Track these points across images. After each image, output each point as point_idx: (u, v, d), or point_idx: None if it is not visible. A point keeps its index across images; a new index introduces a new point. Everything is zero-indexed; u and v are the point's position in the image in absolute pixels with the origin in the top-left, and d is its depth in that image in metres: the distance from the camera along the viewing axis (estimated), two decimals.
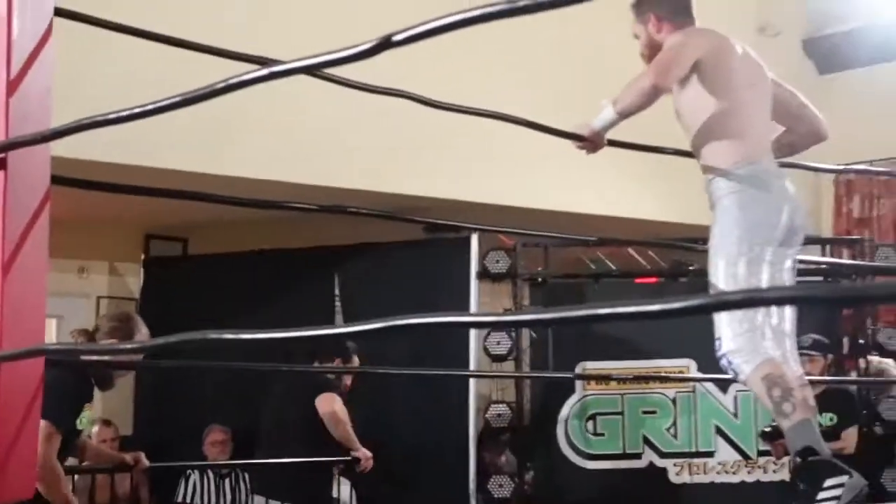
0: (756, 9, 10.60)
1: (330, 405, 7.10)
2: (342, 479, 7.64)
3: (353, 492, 7.80)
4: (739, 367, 3.97)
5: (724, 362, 4.03)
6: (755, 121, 4.20)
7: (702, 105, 4.13)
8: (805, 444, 3.82)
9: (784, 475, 7.99)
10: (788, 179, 4.21)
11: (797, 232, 4.17)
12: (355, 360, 7.15)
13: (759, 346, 3.98)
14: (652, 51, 4.27)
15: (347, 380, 7.37)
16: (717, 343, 4.03)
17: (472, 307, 8.10)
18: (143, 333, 5.61)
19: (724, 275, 4.01)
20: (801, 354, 7.49)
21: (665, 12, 4.32)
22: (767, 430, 7.52)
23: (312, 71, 2.59)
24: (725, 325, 3.99)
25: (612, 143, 4.47)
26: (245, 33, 6.39)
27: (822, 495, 3.70)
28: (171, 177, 7.23)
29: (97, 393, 8.20)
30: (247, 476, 8.06)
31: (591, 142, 4.26)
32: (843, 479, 3.72)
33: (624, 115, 4.07)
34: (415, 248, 8.81)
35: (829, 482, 3.72)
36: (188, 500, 8.09)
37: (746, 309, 3.90)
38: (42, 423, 5.57)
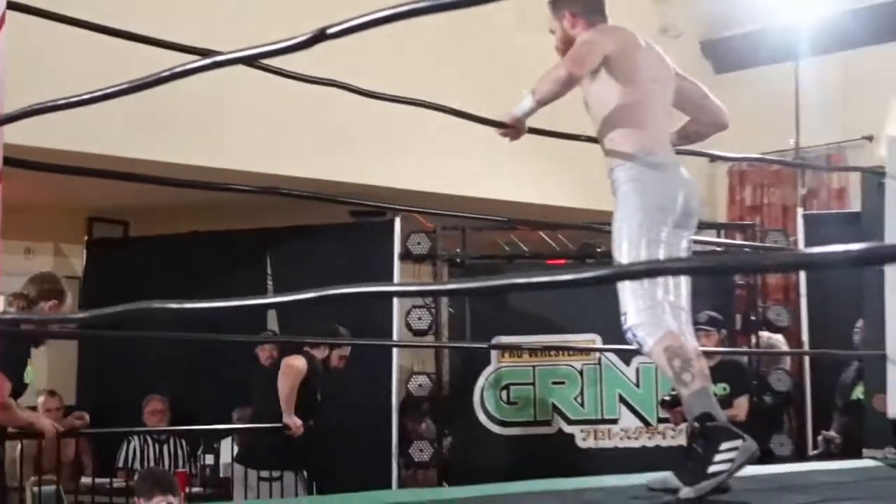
0: (659, 11, 10.66)
1: (293, 361, 7.04)
2: None
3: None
4: (643, 339, 3.96)
5: (629, 335, 4.03)
6: (656, 113, 4.17)
7: (608, 97, 4.11)
8: (703, 411, 3.82)
9: (681, 440, 8.03)
10: (683, 167, 4.20)
11: (692, 215, 4.16)
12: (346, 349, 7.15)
13: (660, 320, 3.97)
14: (566, 45, 4.24)
15: (335, 360, 7.31)
16: (622, 318, 4.02)
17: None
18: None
19: (626, 256, 4.01)
20: (697, 329, 7.52)
21: (579, 10, 4.29)
22: (667, 398, 7.56)
23: (251, 61, 2.49)
24: (630, 301, 3.98)
25: (532, 131, 4.41)
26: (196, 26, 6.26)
27: (717, 457, 3.71)
28: (114, 162, 7.14)
29: (44, 368, 8.14)
30: (184, 442, 8.01)
31: (513, 128, 4.23)
32: (738, 442, 3.73)
33: (542, 103, 4.05)
34: (342, 231, 8.80)
35: (724, 445, 3.72)
36: (129, 464, 8.00)
37: (647, 284, 3.94)
38: None
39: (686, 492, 3.77)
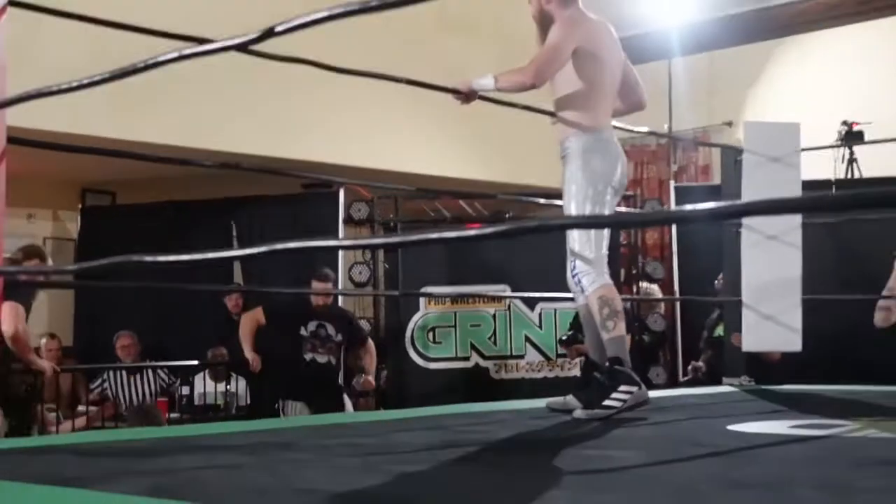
0: None
1: (250, 313, 7.31)
2: (238, 376, 7.74)
3: (248, 388, 7.77)
4: (586, 286, 3.95)
5: (574, 280, 4.01)
6: (606, 94, 4.09)
7: (570, 81, 4.02)
8: (615, 355, 3.85)
9: (576, 372, 8.13)
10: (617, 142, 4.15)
11: (623, 185, 4.15)
12: (329, 284, 7.13)
13: (601, 272, 3.98)
14: (541, 17, 4.11)
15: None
16: (570, 264, 3.99)
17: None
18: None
19: (575, 213, 3.99)
20: None
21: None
22: (563, 338, 7.67)
23: (215, 53, 2.48)
24: (579, 250, 3.96)
25: (483, 99, 4.28)
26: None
27: (614, 395, 3.76)
28: (102, 142, 7.11)
29: (45, 315, 8.05)
30: (161, 374, 7.96)
31: (466, 96, 4.12)
32: (634, 388, 3.78)
33: (499, 90, 4.03)
34: (295, 200, 8.79)
35: (623, 388, 3.77)
36: (115, 392, 7.93)
37: (595, 238, 3.95)
38: (11, 304, 5.79)
39: (579, 413, 3.83)
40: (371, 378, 7.41)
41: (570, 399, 4.05)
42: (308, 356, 7.01)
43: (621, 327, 3.94)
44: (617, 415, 3.74)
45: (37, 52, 6.18)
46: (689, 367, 7.75)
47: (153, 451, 2.93)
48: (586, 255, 3.95)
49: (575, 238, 3.97)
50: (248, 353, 7.12)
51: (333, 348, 7.12)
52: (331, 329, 7.09)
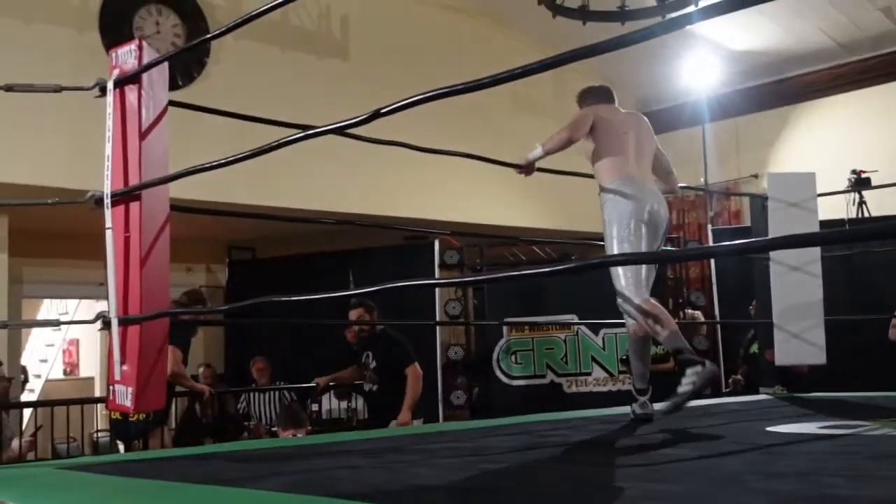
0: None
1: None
2: (358, 395, 7.57)
3: (365, 405, 7.70)
4: (630, 311, 3.90)
5: (621, 309, 3.96)
6: (625, 151, 4.04)
7: (595, 147, 4.07)
8: (674, 347, 3.74)
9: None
10: (653, 190, 4.08)
11: (661, 223, 4.04)
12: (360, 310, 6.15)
13: (640, 293, 3.88)
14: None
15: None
16: (618, 297, 3.94)
17: (437, 288, 8.11)
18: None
19: (611, 249, 3.94)
20: None
21: (588, 101, 4.22)
22: (624, 357, 7.57)
23: (334, 133, 2.53)
24: (623, 285, 3.89)
25: (540, 170, 4.35)
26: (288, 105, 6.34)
27: (683, 380, 3.62)
28: (243, 208, 7.22)
29: (202, 349, 8.13)
30: (294, 395, 7.99)
31: (526, 168, 4.21)
32: (699, 368, 3.62)
33: (548, 153, 4.06)
34: (398, 250, 8.80)
35: (689, 371, 3.63)
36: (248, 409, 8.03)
37: (632, 270, 3.88)
38: (171, 347, 5.86)
39: (661, 406, 3.76)
40: (406, 414, 5.93)
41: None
42: (365, 386, 6.34)
43: (669, 324, 3.81)
44: (694, 396, 3.63)
45: (189, 140, 6.34)
46: (730, 380, 7.59)
47: (291, 456, 2.96)
48: (626, 285, 3.89)
49: (618, 272, 3.92)
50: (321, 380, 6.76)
51: (373, 376, 6.16)
52: (371, 357, 6.15)
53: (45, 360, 12.60)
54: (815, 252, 5.20)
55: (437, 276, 8.33)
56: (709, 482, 2.00)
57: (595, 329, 7.95)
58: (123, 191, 2.78)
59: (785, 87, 9.93)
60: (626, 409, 4.86)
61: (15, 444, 5.89)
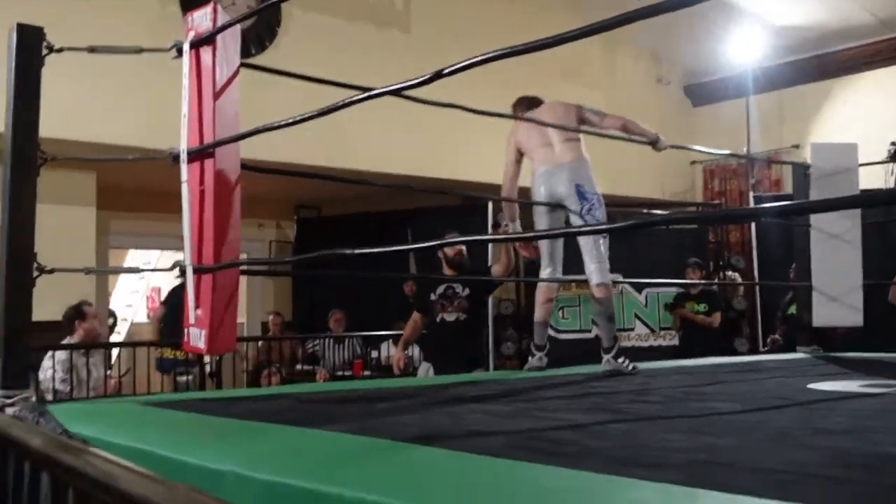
0: (656, 67, 10.46)
1: (414, 316, 5.83)
2: (415, 344, 7.24)
3: (421, 353, 7.58)
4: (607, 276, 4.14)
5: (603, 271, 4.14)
6: (537, 154, 4.20)
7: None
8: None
9: (675, 342, 7.91)
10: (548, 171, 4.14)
11: (561, 198, 4.08)
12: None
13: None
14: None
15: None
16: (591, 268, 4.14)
17: (489, 246, 7.97)
18: None
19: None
20: (688, 267, 7.43)
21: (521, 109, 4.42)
22: (669, 302, 7.49)
23: (395, 94, 2.45)
24: (602, 250, 4.10)
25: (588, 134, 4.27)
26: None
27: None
28: (310, 168, 7.21)
29: (271, 297, 8.14)
30: (355, 342, 8.03)
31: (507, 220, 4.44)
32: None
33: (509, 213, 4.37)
34: (456, 210, 8.67)
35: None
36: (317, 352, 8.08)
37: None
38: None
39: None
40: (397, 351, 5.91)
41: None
42: (449, 317, 5.65)
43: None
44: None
45: (259, 104, 6.30)
46: (768, 339, 7.44)
47: (356, 399, 2.92)
48: (605, 252, 4.11)
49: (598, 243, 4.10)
50: (396, 352, 6.11)
51: (464, 304, 5.61)
52: (463, 287, 5.66)
53: (130, 305, 12.82)
54: (856, 219, 5.02)
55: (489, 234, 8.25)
56: (761, 437, 1.90)
57: (638, 288, 7.83)
58: (198, 148, 2.75)
59: (826, 62, 9.60)
60: (668, 363, 4.76)
61: (103, 383, 5.97)
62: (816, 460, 1.57)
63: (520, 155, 4.31)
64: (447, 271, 5.76)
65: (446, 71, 2.12)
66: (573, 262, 4.26)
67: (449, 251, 5.72)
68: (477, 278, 5.78)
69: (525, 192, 4.42)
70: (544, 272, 4.21)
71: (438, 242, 2.41)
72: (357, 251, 2.40)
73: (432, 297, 5.69)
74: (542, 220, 4.16)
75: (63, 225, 6.65)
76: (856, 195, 3.57)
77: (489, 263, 7.34)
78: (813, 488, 1.30)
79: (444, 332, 5.62)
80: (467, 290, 5.67)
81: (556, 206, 4.09)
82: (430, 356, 5.84)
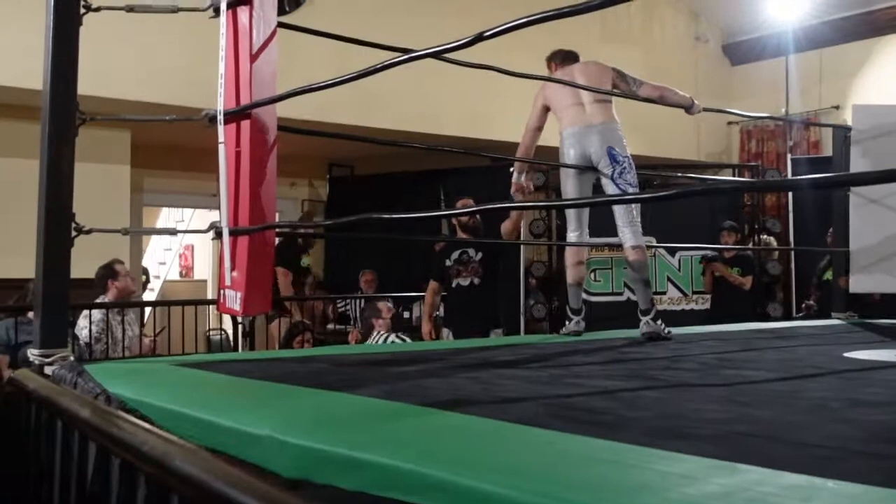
0: (695, 25, 10.28)
1: (430, 286, 6.01)
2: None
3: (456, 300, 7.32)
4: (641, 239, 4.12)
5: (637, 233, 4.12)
6: (566, 114, 4.13)
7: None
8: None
9: (706, 306, 7.86)
10: (578, 131, 4.07)
11: (591, 160, 4.03)
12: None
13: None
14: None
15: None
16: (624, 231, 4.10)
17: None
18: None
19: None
20: (723, 230, 7.36)
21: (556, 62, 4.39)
22: (707, 255, 7.42)
23: (434, 56, 2.42)
24: (635, 213, 4.12)
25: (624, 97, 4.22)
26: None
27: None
28: (343, 128, 7.21)
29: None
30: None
31: (518, 188, 4.38)
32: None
33: (524, 154, 4.30)
34: (488, 170, 8.64)
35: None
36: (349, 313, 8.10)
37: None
38: (282, 270, 5.95)
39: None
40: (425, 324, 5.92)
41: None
42: (464, 281, 5.85)
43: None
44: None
45: (295, 62, 6.28)
46: (803, 305, 7.38)
47: (388, 362, 2.93)
48: (637, 216, 4.14)
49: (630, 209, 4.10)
50: (424, 325, 6.05)
51: (479, 269, 5.78)
52: (476, 251, 5.85)
53: (163, 263, 12.95)
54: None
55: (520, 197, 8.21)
56: (799, 408, 1.88)
57: (671, 252, 7.78)
58: (235, 110, 2.75)
59: (872, 19, 9.37)
60: (701, 328, 4.73)
61: (138, 342, 6.05)
62: (857, 435, 1.55)
63: (546, 110, 4.24)
64: (461, 235, 5.84)
65: (488, 34, 2.09)
66: (607, 224, 4.22)
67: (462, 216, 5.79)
68: (492, 241, 5.83)
69: (551, 154, 4.36)
70: (571, 235, 4.17)
71: (483, 207, 2.38)
72: (386, 216, 2.37)
73: (447, 262, 5.86)
74: (569, 182, 4.10)
75: (98, 182, 6.71)
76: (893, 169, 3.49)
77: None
78: (855, 465, 1.29)
79: (459, 297, 5.83)
80: (480, 254, 5.82)
81: (585, 168, 4.05)
82: (448, 321, 6.00)
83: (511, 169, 4.38)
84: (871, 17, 9.37)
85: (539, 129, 4.27)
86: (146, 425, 1.32)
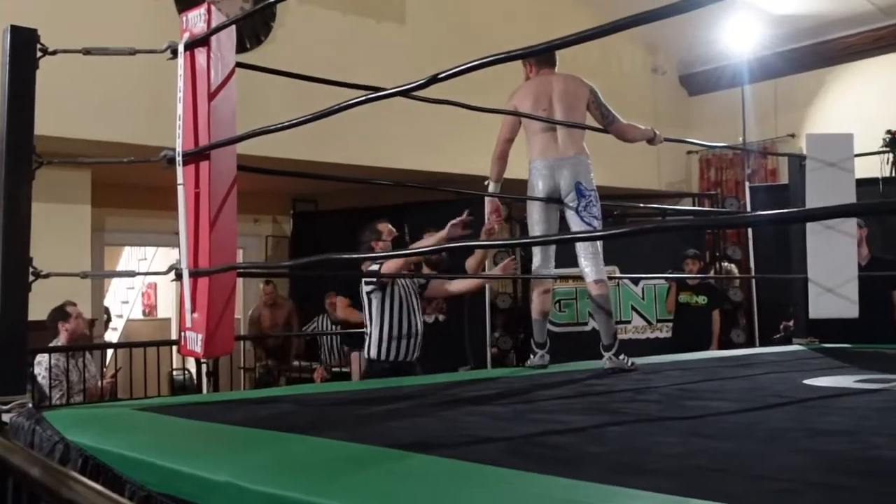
0: (652, 57, 10.44)
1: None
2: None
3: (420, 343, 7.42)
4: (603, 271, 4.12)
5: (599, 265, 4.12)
6: (537, 141, 4.10)
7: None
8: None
9: (669, 334, 7.91)
10: (548, 164, 4.04)
11: (559, 192, 4.01)
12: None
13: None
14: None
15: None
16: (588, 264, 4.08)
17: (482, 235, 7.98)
18: None
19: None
20: (686, 258, 7.36)
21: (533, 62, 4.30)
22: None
23: (392, 97, 2.44)
24: (599, 246, 4.12)
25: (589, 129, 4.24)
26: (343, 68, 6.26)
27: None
28: (305, 165, 7.22)
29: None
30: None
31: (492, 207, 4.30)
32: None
33: (497, 168, 4.17)
34: (452, 204, 8.60)
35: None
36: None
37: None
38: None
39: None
40: None
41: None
42: (429, 318, 5.94)
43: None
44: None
45: (256, 100, 6.27)
46: (781, 326, 7.39)
47: (351, 402, 2.91)
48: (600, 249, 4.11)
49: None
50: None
51: (443, 305, 5.92)
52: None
53: (126, 302, 12.81)
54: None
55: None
56: (758, 439, 1.90)
57: (635, 281, 7.83)
58: (194, 151, 2.74)
59: (825, 50, 9.59)
60: (665, 357, 4.76)
61: (96, 383, 5.95)
62: (815, 466, 1.57)
63: (518, 123, 4.12)
64: (426, 271, 5.81)
65: (442, 75, 2.12)
66: (570, 255, 4.23)
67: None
68: (457, 276, 5.73)
69: (517, 186, 4.32)
70: (536, 265, 4.17)
71: (450, 246, 2.39)
72: (345, 256, 2.39)
73: None
74: (535, 212, 4.07)
75: (58, 222, 6.64)
76: (850, 203, 3.57)
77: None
78: (813, 497, 1.31)
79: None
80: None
81: (551, 200, 4.06)
82: None
83: (486, 182, 4.25)
84: (823, 47, 9.59)
85: (510, 140, 4.13)
86: (97, 486, 1.31)
